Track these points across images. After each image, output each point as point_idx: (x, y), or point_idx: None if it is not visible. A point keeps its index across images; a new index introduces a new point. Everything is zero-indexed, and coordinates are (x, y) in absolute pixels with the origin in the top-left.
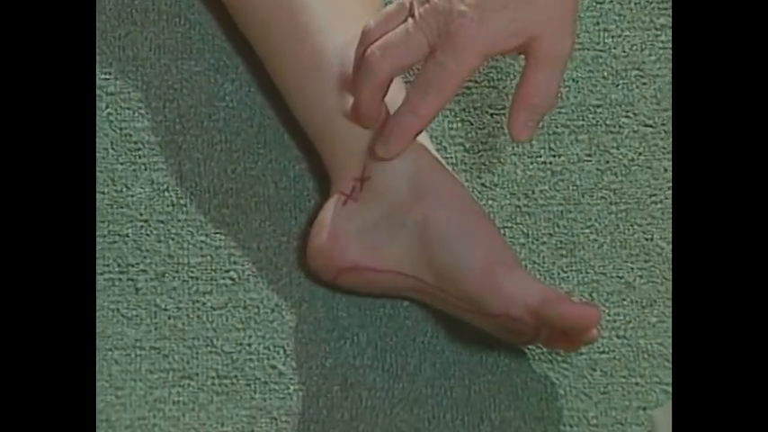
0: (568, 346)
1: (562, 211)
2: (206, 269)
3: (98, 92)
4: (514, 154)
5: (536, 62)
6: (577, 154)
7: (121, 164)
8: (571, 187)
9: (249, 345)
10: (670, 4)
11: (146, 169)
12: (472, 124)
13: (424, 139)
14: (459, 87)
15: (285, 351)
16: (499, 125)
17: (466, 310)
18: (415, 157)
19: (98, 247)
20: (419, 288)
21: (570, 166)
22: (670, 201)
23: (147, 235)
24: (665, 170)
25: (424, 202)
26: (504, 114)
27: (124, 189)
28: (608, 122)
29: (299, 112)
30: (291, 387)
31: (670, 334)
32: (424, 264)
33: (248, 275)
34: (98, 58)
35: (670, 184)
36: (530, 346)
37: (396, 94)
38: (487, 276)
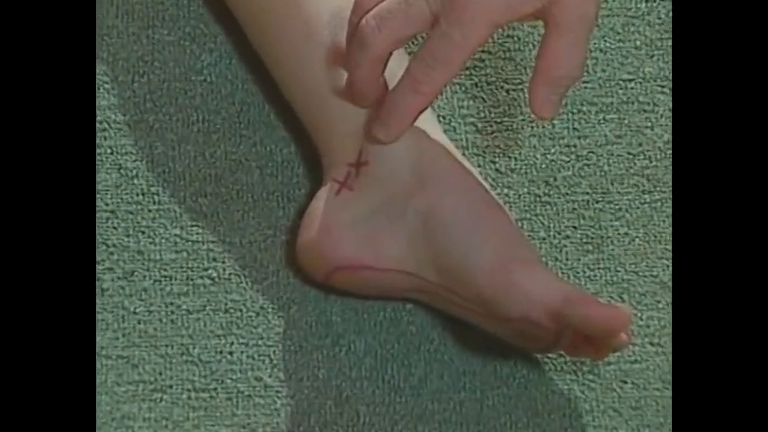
0: (595, 355)
1: (588, 201)
2: (181, 267)
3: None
4: (534, 135)
5: (557, 28)
6: (606, 135)
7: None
8: (598, 173)
9: (230, 353)
10: None
11: (112, 153)
12: (485, 101)
13: (429, 118)
14: (466, 61)
15: (271, 360)
16: (516, 102)
17: (477, 314)
18: (419, 138)
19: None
20: (423, 288)
21: (597, 150)
22: None
23: (114, 228)
24: None
25: (428, 190)
26: (521, 90)
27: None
28: (640, 99)
29: (287, 88)
30: (279, 402)
31: None
32: (429, 260)
33: (229, 274)
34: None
35: None
36: (550, 355)
37: (396, 68)
38: (501, 274)
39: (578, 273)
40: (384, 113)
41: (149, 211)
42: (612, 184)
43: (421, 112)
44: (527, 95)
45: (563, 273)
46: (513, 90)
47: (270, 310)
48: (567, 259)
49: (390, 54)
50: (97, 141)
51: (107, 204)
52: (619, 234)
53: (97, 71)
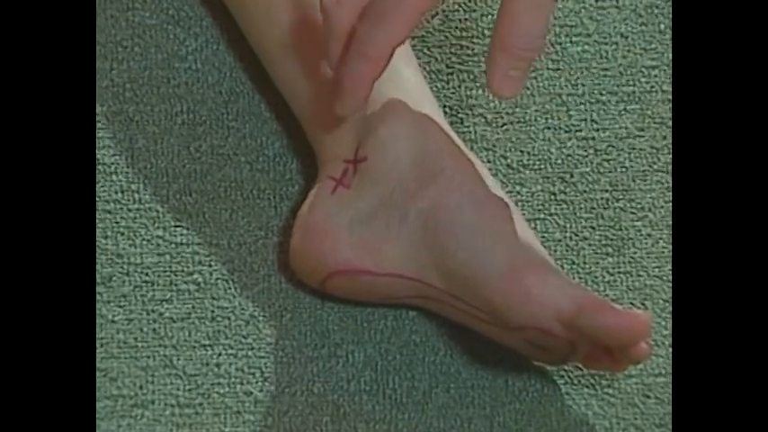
0: (614, 367)
1: (608, 200)
2: (164, 271)
3: None
4: (548, 128)
5: None
6: (627, 128)
7: None
8: (619, 169)
9: (218, 365)
10: None
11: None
12: None
13: (433, 109)
14: (417, 18)
15: (262, 373)
16: (529, 92)
17: (486, 322)
18: (422, 132)
19: None
20: (427, 294)
21: (617, 143)
22: None
23: None
24: None
25: (432, 188)
26: (535, 78)
27: None
28: (664, 88)
29: (278, 76)
30: (270, 418)
31: None
32: (433, 264)
33: (216, 279)
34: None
35: None
36: (566, 367)
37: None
38: (512, 279)
39: (597, 278)
40: (337, 85)
41: (129, 210)
42: (634, 181)
43: (374, 79)
44: (486, 70)
45: (580, 278)
46: (527, 78)
47: (260, 318)
48: (584, 263)
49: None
50: None
51: None
52: (641, 235)
53: None
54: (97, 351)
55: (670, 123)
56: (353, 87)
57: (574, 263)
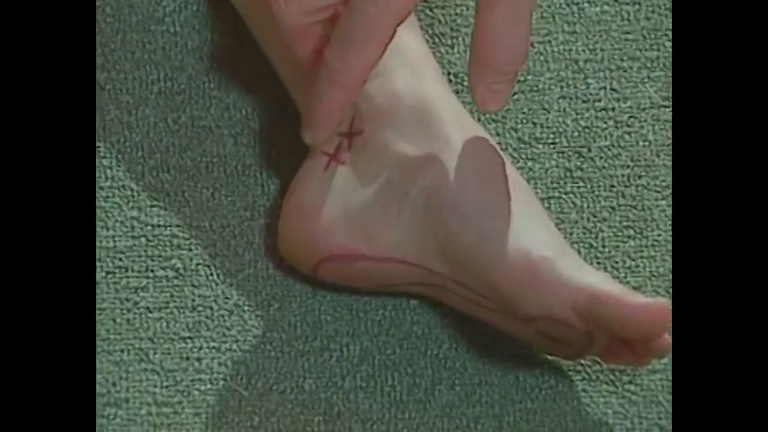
0: (635, 361)
1: (629, 176)
2: (139, 256)
3: None
4: (564, 97)
5: (488, 1)
6: (650, 98)
7: None
8: (641, 143)
9: (198, 360)
10: None
11: None
12: None
13: (436, 77)
14: (390, 34)
15: (248, 368)
16: (542, 57)
17: (494, 312)
18: (424, 102)
19: None
20: (430, 281)
21: (640, 114)
22: None
23: None
24: None
25: (435, 163)
26: (549, 42)
27: None
28: None
29: (265, 39)
30: (256, 418)
31: None
32: (436, 247)
33: (197, 265)
34: None
35: None
36: (582, 362)
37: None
38: (522, 264)
39: (617, 263)
40: (307, 112)
41: (101, 188)
42: (658, 156)
43: (345, 105)
44: (468, 83)
45: (598, 263)
46: (540, 43)
47: (246, 307)
48: (603, 246)
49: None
50: None
51: None
52: (666, 216)
53: None
54: None
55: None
56: (326, 115)
57: (592, 246)
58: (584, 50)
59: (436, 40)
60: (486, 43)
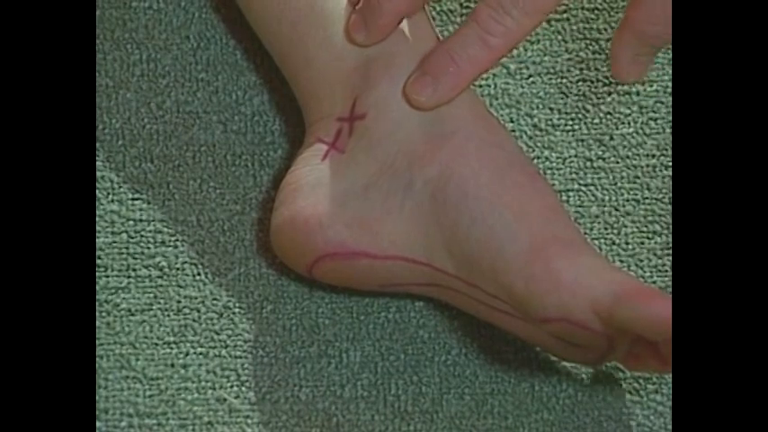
0: (661, 367)
1: (654, 166)
2: (119, 253)
3: None
4: (583, 80)
5: None
6: None
7: None
8: (668, 130)
9: (185, 366)
10: None
11: None
12: None
13: None
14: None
15: (239, 376)
16: (561, 36)
17: (506, 314)
18: None
19: None
20: (436, 281)
21: (666, 99)
22: None
23: None
24: None
25: (443, 151)
26: (567, 20)
27: None
28: None
29: (258, 18)
30: (248, 430)
31: None
32: (443, 244)
33: (183, 263)
34: None
35: None
36: (603, 368)
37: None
38: (537, 262)
39: (641, 261)
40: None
41: None
42: None
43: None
44: (610, 50)
45: (621, 261)
46: (558, 20)
47: (236, 309)
48: (626, 243)
49: None
50: None
51: None
52: None
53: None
54: None
55: None
56: (462, 80)
57: (614, 243)
58: (605, 29)
59: (444, 17)
60: (641, 17)
